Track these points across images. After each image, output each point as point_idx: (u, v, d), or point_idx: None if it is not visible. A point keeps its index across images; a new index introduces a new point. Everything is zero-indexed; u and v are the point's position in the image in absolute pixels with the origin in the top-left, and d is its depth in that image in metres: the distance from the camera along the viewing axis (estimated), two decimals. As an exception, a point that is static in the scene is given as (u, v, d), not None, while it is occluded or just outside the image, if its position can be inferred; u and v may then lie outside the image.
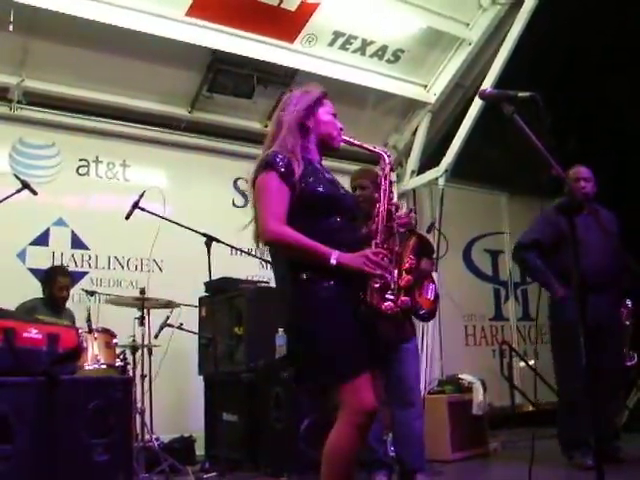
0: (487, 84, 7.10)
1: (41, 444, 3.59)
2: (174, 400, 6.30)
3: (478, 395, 5.98)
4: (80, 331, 4.60)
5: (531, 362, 8.74)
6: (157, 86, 6.91)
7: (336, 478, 2.59)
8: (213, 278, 5.16)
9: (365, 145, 2.95)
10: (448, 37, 7.55)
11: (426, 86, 8.02)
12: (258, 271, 6.98)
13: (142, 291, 5.43)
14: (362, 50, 7.31)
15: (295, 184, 2.68)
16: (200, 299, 6.12)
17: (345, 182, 3.48)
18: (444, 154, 7.86)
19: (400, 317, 2.75)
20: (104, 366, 4.92)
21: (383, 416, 4.51)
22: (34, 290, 5.71)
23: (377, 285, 2.62)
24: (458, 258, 9.03)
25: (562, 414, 4.99)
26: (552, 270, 4.92)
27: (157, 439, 5.35)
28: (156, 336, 5.45)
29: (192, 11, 6.29)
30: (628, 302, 5.21)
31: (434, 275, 5.43)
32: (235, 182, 7.50)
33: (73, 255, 6.52)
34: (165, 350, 5.61)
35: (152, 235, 5.48)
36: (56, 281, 5.68)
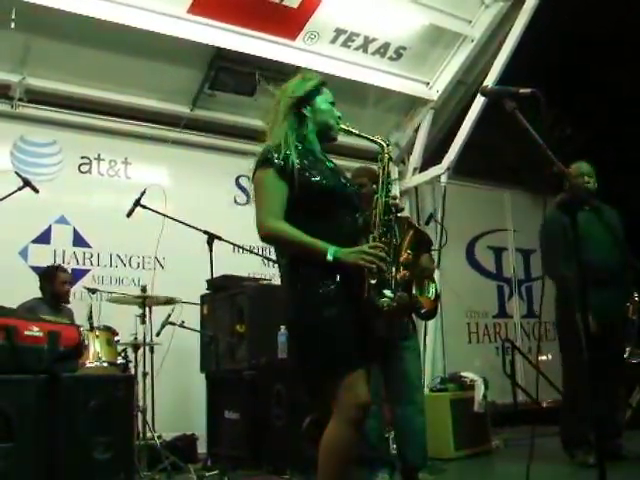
0: (489, 81, 7.09)
1: (42, 442, 3.59)
2: (176, 398, 6.30)
3: (480, 393, 5.98)
4: (82, 329, 4.59)
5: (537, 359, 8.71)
6: (159, 84, 6.92)
7: (333, 473, 2.59)
8: (215, 276, 5.15)
9: (364, 134, 2.92)
10: (450, 34, 7.54)
11: (428, 83, 8.01)
12: (260, 269, 6.94)
13: (144, 289, 5.41)
14: (364, 47, 7.30)
15: (293, 177, 2.67)
16: (202, 297, 6.11)
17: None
18: (446, 151, 7.84)
19: (397, 313, 2.74)
20: (105, 364, 4.92)
21: (384, 413, 4.51)
22: (36, 288, 5.70)
23: (374, 281, 2.60)
24: (461, 255, 9.03)
25: (565, 411, 4.98)
26: None
27: (159, 437, 5.33)
28: (158, 334, 5.44)
29: (194, 8, 6.28)
30: (636, 296, 5.16)
31: (436, 273, 5.43)
32: (237, 180, 7.49)
33: (75, 253, 6.53)
34: (167, 348, 5.59)
35: (154, 233, 5.48)
36: (57, 277, 5.68)
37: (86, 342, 4.68)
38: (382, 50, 7.41)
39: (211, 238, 5.02)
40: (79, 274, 6.40)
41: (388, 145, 2.92)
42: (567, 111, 7.86)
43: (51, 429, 3.63)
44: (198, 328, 5.97)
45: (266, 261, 6.59)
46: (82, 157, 6.79)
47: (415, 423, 4.44)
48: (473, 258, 9.19)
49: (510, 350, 8.30)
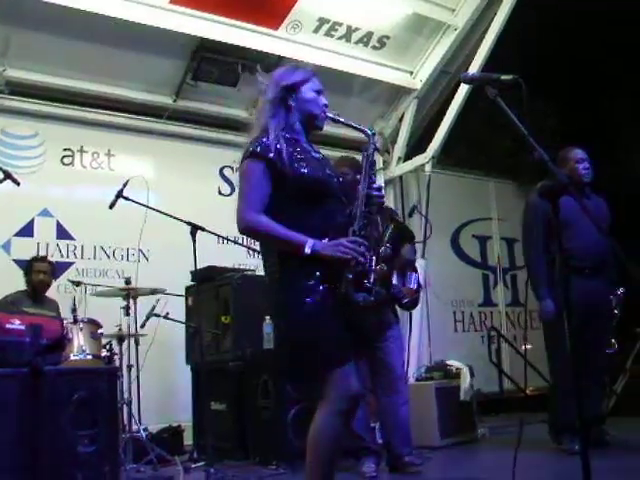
0: (473, 70, 7.06)
1: (25, 435, 3.57)
2: (161, 390, 6.30)
3: (465, 381, 5.99)
4: (65, 322, 4.58)
5: (524, 347, 8.74)
6: (141, 74, 6.88)
7: (321, 464, 2.60)
8: (199, 267, 5.12)
9: (350, 122, 2.89)
10: (434, 23, 7.52)
11: (412, 72, 8.00)
12: (245, 259, 6.94)
13: (127, 281, 5.38)
14: (347, 37, 7.27)
15: (280, 169, 2.64)
16: (187, 288, 6.08)
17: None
18: (431, 140, 7.85)
19: (374, 308, 2.72)
20: (90, 356, 4.88)
21: (370, 404, 4.53)
22: (20, 281, 5.67)
23: (351, 275, 2.57)
24: (446, 244, 9.04)
25: (551, 399, 4.99)
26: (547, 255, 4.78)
27: (145, 429, 5.32)
28: (142, 325, 5.41)
29: (175, -2, 6.24)
30: (620, 290, 5.16)
31: (419, 262, 5.44)
32: (221, 170, 7.48)
33: (58, 245, 6.49)
34: (152, 340, 5.56)
35: (138, 225, 5.43)
36: (32, 266, 5.66)
37: (70, 335, 4.64)
38: (365, 39, 7.39)
39: (194, 229, 4.99)
40: (63, 267, 6.36)
41: (374, 134, 2.91)
42: (551, 99, 7.88)
43: (34, 422, 3.61)
44: (183, 320, 5.95)
45: (251, 252, 6.59)
46: (65, 149, 6.74)
47: (399, 412, 4.47)
48: (458, 247, 9.21)
49: (496, 338, 8.33)
